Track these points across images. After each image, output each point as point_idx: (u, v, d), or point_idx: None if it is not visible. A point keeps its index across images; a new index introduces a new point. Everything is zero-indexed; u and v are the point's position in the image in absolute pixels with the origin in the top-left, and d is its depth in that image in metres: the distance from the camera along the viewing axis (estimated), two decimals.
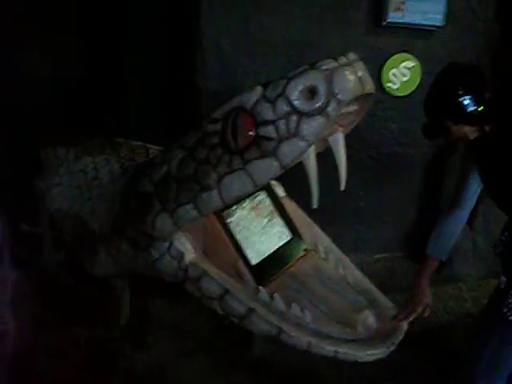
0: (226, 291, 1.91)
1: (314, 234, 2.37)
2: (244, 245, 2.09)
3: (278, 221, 2.31)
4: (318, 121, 1.60)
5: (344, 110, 1.68)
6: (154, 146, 2.90)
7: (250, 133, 1.68)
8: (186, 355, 2.74)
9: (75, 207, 2.64)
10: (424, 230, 3.92)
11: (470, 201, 2.22)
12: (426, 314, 2.25)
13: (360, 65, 1.70)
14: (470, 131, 2.00)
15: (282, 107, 1.62)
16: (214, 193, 1.77)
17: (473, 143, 2.04)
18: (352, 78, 1.61)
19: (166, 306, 3.11)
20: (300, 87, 1.60)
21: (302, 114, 1.60)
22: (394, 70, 3.54)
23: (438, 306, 3.40)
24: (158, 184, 1.98)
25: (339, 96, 1.58)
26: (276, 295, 1.91)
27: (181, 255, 1.98)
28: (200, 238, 2.02)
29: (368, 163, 3.74)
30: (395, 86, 3.58)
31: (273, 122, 1.64)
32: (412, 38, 3.53)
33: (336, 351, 1.82)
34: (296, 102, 1.60)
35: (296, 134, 1.61)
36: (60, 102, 3.76)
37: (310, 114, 1.59)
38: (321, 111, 1.59)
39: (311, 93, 1.59)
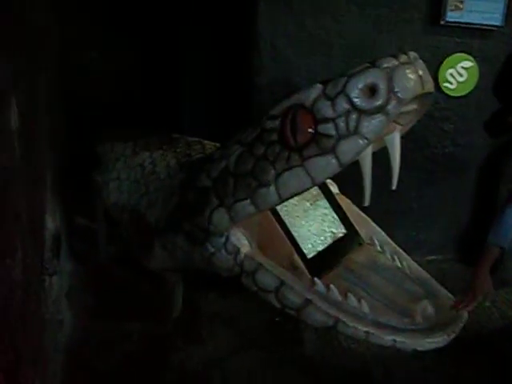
0: (282, 283, 1.91)
1: (370, 228, 2.37)
2: (299, 238, 2.09)
3: (332, 215, 2.32)
4: (378, 119, 1.60)
5: (403, 109, 1.67)
6: (210, 142, 2.93)
7: (309, 130, 1.69)
8: (238, 351, 2.75)
9: (132, 201, 2.68)
10: (477, 232, 3.89)
11: None
12: (487, 302, 2.22)
13: (420, 63, 1.69)
14: None
15: (342, 105, 1.63)
16: (272, 189, 1.78)
17: None
18: (413, 76, 1.61)
19: (219, 300, 3.14)
20: (360, 85, 1.60)
21: (361, 112, 1.60)
22: (451, 70, 3.51)
23: (491, 310, 3.33)
24: (216, 179, 2.00)
25: (399, 94, 1.58)
26: (332, 286, 1.90)
27: (237, 250, 1.99)
28: (255, 232, 2.03)
29: (422, 164, 3.70)
30: (452, 87, 3.55)
31: (332, 120, 1.65)
32: (470, 37, 3.49)
33: (394, 340, 1.80)
34: (356, 100, 1.60)
35: (355, 131, 1.61)
36: (118, 100, 3.84)
37: (370, 112, 1.59)
38: (381, 109, 1.59)
39: (371, 91, 1.59)
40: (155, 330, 2.84)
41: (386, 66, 1.60)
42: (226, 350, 2.77)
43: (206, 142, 2.93)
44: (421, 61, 1.72)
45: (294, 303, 1.90)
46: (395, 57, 1.64)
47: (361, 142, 1.62)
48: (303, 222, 2.21)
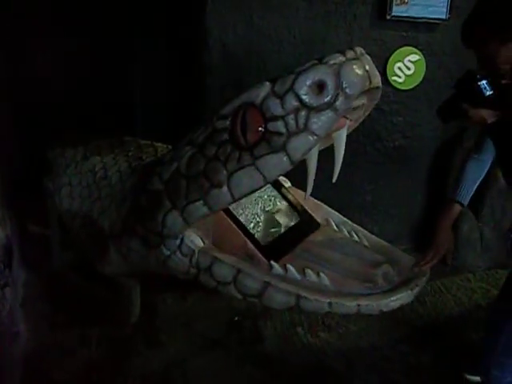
0: (239, 271, 1.89)
1: (325, 211, 2.36)
2: (253, 230, 2.10)
3: (284, 205, 2.33)
4: (327, 115, 1.60)
5: (353, 105, 1.68)
6: (163, 144, 2.90)
7: (259, 128, 1.69)
8: (198, 352, 2.75)
9: (84, 207, 2.64)
10: (430, 222, 3.97)
11: (492, 147, 2.21)
12: (448, 261, 2.24)
13: (367, 59, 1.70)
14: (488, 115, 1.98)
15: (291, 102, 1.63)
16: (224, 189, 1.77)
17: (490, 127, 2.03)
18: (360, 71, 1.62)
19: (178, 302, 3.13)
20: (309, 82, 1.61)
21: (310, 109, 1.61)
22: (398, 64, 3.55)
23: (447, 297, 3.42)
24: (168, 182, 1.97)
25: (347, 90, 1.59)
26: (289, 266, 1.88)
27: (192, 252, 1.97)
28: (210, 232, 2.01)
29: (374, 157, 3.75)
30: (400, 80, 3.59)
31: (282, 118, 1.64)
32: (416, 31, 3.54)
33: (358, 305, 1.78)
34: (305, 97, 1.61)
35: (305, 128, 1.62)
36: (69, 103, 3.77)
37: (318, 109, 1.60)
38: (330, 105, 1.59)
39: (320, 87, 1.60)
40: (114, 334, 2.82)
41: (333, 62, 1.61)
42: (186, 352, 2.76)
43: (158, 144, 2.91)
44: (367, 56, 1.73)
45: (253, 289, 1.87)
46: (342, 53, 1.64)
47: (311, 138, 1.62)
48: (256, 215, 2.21)
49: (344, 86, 1.59)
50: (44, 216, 3.10)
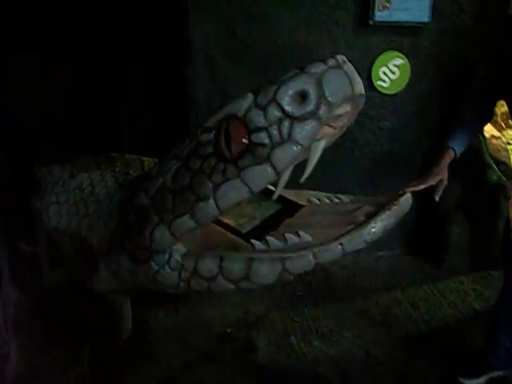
0: (222, 258, 1.86)
1: (307, 194, 2.24)
2: (234, 223, 2.02)
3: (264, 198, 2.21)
4: (311, 124, 1.59)
5: (336, 113, 1.68)
6: (149, 159, 2.89)
7: (243, 140, 1.68)
8: (191, 366, 2.74)
9: (73, 224, 2.62)
10: (421, 226, 3.98)
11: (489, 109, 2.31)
12: (437, 194, 2.26)
13: (349, 66, 1.69)
14: None
15: (274, 113, 1.62)
16: (210, 202, 1.76)
17: None
18: (342, 79, 1.61)
19: (169, 316, 3.11)
20: (290, 92, 1.60)
21: (293, 119, 1.60)
22: (383, 69, 3.57)
23: (440, 301, 3.41)
24: (154, 196, 1.96)
25: (330, 98, 1.58)
26: (269, 238, 1.83)
27: (180, 266, 1.96)
28: (199, 245, 1.98)
29: (363, 162, 3.76)
30: (385, 84, 3.61)
31: (265, 128, 1.63)
32: (399, 35, 3.56)
33: (341, 244, 1.70)
34: (287, 107, 1.60)
35: (289, 138, 1.60)
36: (56, 120, 3.75)
37: (301, 118, 1.59)
38: (312, 115, 1.58)
39: (302, 97, 1.59)
40: (106, 351, 2.79)
41: (314, 71, 1.60)
42: (179, 366, 2.74)
43: (145, 158, 2.90)
44: (349, 63, 1.72)
45: (238, 270, 1.83)
46: (324, 61, 1.64)
47: (295, 148, 1.61)
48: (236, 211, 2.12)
49: (326, 94, 1.58)
50: (34, 235, 3.07)
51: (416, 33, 3.58)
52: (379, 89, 3.59)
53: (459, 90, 3.64)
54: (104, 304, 2.78)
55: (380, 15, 3.40)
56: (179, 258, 1.96)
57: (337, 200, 2.13)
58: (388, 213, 1.75)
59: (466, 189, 3.80)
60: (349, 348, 2.92)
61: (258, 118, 1.65)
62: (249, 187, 1.69)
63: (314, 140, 1.68)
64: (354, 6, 3.43)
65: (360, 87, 1.72)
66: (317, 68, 1.61)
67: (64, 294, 3.05)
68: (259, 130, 1.65)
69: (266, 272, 1.80)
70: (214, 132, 1.77)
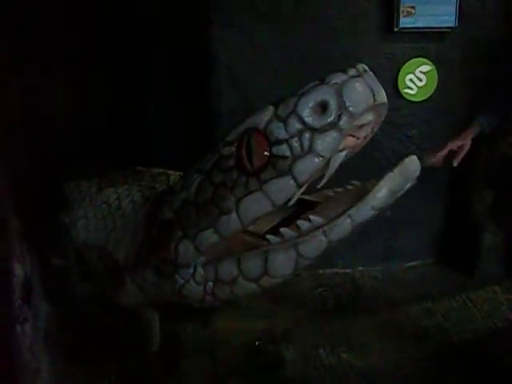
0: (239, 260, 1.84)
1: (324, 193, 2.04)
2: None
3: None
4: (331, 135, 1.58)
5: (358, 123, 1.66)
6: (176, 172, 2.90)
7: (265, 153, 1.67)
8: (219, 380, 2.73)
9: (100, 239, 2.64)
10: (451, 234, 3.91)
11: None
12: (456, 159, 2.34)
13: (370, 75, 1.67)
14: None
15: (294, 125, 1.61)
16: (233, 216, 1.76)
17: None
18: (362, 89, 1.59)
19: (198, 330, 3.10)
20: (311, 103, 1.59)
21: (314, 131, 1.58)
22: (410, 76, 3.53)
23: (472, 311, 3.33)
24: (178, 210, 1.97)
25: (351, 109, 1.56)
26: (282, 229, 1.78)
27: (206, 281, 1.96)
28: (220, 251, 1.95)
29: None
30: (413, 92, 3.57)
31: (286, 141, 1.62)
32: (426, 41, 3.53)
33: (349, 216, 1.66)
34: (307, 119, 1.59)
35: (310, 150, 1.59)
36: (84, 136, 3.79)
37: (322, 130, 1.57)
38: (333, 126, 1.56)
39: (322, 108, 1.57)
40: (134, 366, 2.79)
41: (334, 81, 1.59)
42: (208, 380, 2.73)
43: (171, 172, 2.91)
44: (371, 72, 1.70)
45: (256, 267, 1.81)
46: (344, 71, 1.62)
47: (316, 160, 1.60)
48: None
49: (347, 104, 1.56)
50: (64, 250, 3.11)
51: (442, 38, 3.53)
52: (406, 96, 3.56)
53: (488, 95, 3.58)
54: (132, 318, 2.79)
55: (405, 21, 3.37)
56: (202, 271, 1.95)
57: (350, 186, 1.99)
58: (391, 174, 1.67)
59: (498, 196, 3.73)
60: (378, 360, 2.87)
61: (279, 131, 1.64)
62: (271, 200, 1.68)
63: (336, 151, 1.67)
64: (379, 13, 3.41)
65: (382, 96, 1.69)
66: (337, 78, 1.59)
67: (93, 308, 3.07)
68: (280, 142, 1.64)
69: (282, 262, 1.77)
70: (235, 145, 1.77)
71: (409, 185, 1.71)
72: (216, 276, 1.92)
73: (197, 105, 3.56)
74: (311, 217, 1.74)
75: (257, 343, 2.99)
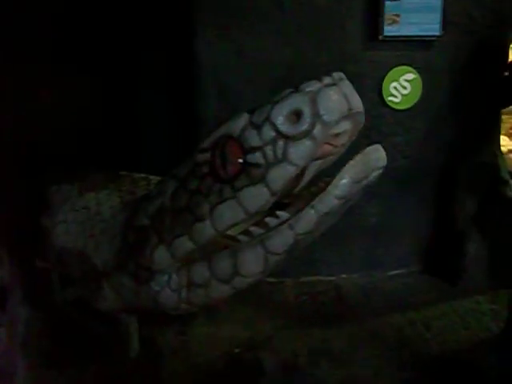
0: (209, 259, 1.86)
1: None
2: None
3: None
4: (305, 144, 1.57)
5: (333, 131, 1.65)
6: (157, 177, 2.89)
7: (239, 160, 1.67)
8: None
9: (79, 244, 2.64)
10: (438, 242, 3.91)
11: None
12: None
13: (346, 83, 1.67)
14: None
15: (268, 133, 1.60)
16: (207, 223, 1.76)
17: None
18: (336, 97, 1.59)
19: (177, 337, 3.09)
20: (285, 111, 1.59)
21: (288, 139, 1.58)
22: (394, 84, 3.52)
23: (455, 320, 3.30)
24: (154, 217, 1.98)
25: (325, 117, 1.56)
26: (252, 228, 1.79)
27: (181, 287, 1.95)
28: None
29: (377, 180, 3.70)
30: (397, 100, 3.56)
31: (260, 148, 1.62)
32: (410, 50, 3.52)
33: (313, 207, 1.65)
34: (281, 127, 1.58)
35: (284, 158, 1.59)
36: (72, 139, 3.77)
37: (296, 138, 1.57)
38: (307, 134, 1.56)
39: (296, 116, 1.57)
40: (113, 371, 2.77)
41: (308, 89, 1.59)
42: None
43: (152, 177, 2.90)
44: (347, 81, 1.69)
45: (227, 266, 1.81)
46: (319, 79, 1.62)
47: (290, 168, 1.59)
48: None
49: (321, 113, 1.56)
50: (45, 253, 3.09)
51: (427, 47, 3.53)
52: (390, 104, 3.55)
53: (473, 104, 3.59)
54: (111, 324, 2.77)
55: (389, 30, 3.36)
56: (176, 277, 1.95)
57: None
58: (351, 162, 1.65)
59: (483, 205, 3.73)
60: (358, 369, 2.85)
61: (253, 138, 1.64)
62: (244, 208, 1.68)
63: (310, 159, 1.66)
64: (363, 21, 3.41)
65: (358, 104, 1.69)
66: (311, 86, 1.60)
67: (73, 313, 3.05)
68: (254, 150, 1.64)
69: (251, 259, 1.77)
70: (210, 152, 1.76)
71: (375, 174, 1.72)
72: (189, 280, 1.93)
73: (183, 110, 3.56)
74: (278, 212, 1.75)
75: (236, 350, 2.97)
